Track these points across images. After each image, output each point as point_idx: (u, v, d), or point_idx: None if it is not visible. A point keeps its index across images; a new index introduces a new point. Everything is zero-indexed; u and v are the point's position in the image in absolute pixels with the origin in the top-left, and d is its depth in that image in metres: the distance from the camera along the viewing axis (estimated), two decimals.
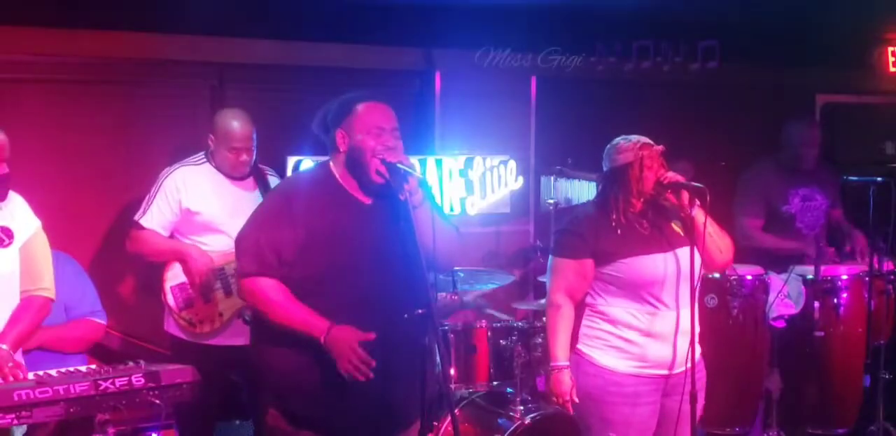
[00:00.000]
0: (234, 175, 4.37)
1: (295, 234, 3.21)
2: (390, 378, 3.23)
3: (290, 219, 3.23)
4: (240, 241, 3.33)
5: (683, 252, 3.51)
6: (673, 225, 3.57)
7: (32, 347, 3.67)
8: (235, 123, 4.31)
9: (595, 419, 3.60)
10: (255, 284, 3.24)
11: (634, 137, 3.59)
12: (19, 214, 3.32)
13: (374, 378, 3.19)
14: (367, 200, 3.32)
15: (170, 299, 4.32)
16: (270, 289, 3.22)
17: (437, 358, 3.38)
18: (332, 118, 3.33)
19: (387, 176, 3.22)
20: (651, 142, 3.58)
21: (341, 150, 3.30)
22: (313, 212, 3.25)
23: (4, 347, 3.19)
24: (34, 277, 3.34)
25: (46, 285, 3.37)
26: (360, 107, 3.29)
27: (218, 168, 4.37)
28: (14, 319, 3.27)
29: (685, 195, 3.49)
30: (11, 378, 3.09)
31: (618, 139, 3.61)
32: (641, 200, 3.54)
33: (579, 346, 3.62)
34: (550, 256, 3.66)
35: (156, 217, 4.30)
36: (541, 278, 5.08)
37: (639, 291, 3.52)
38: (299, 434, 3.31)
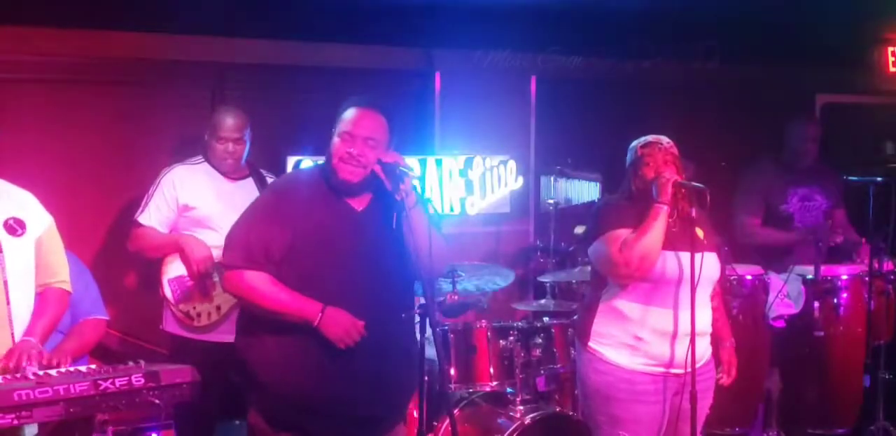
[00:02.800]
0: (226, 171, 4.39)
1: (283, 232, 3.23)
2: (377, 378, 3.24)
3: (281, 217, 3.25)
4: (229, 236, 3.35)
5: (701, 256, 3.51)
6: (697, 229, 3.56)
7: (68, 362, 3.69)
8: (225, 114, 4.41)
9: (604, 417, 3.61)
10: (241, 274, 3.25)
11: (646, 137, 3.65)
12: (31, 208, 3.37)
13: (363, 379, 3.20)
14: (359, 206, 3.33)
15: (168, 292, 4.34)
16: (256, 278, 3.23)
17: (435, 358, 3.38)
18: (336, 121, 3.35)
19: (383, 176, 3.22)
20: (661, 141, 3.61)
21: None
22: (304, 212, 3.26)
23: (34, 340, 3.23)
24: (51, 271, 3.39)
25: (63, 278, 3.43)
26: (349, 111, 3.30)
27: (215, 168, 4.39)
28: (37, 313, 3.32)
29: (666, 190, 3.50)
30: (45, 367, 3.12)
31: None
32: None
33: (591, 343, 3.63)
34: (596, 241, 3.59)
35: (154, 215, 4.34)
36: (541, 278, 5.09)
37: (656, 287, 3.53)
38: (279, 435, 3.30)
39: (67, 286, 3.44)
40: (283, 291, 3.22)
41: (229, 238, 3.34)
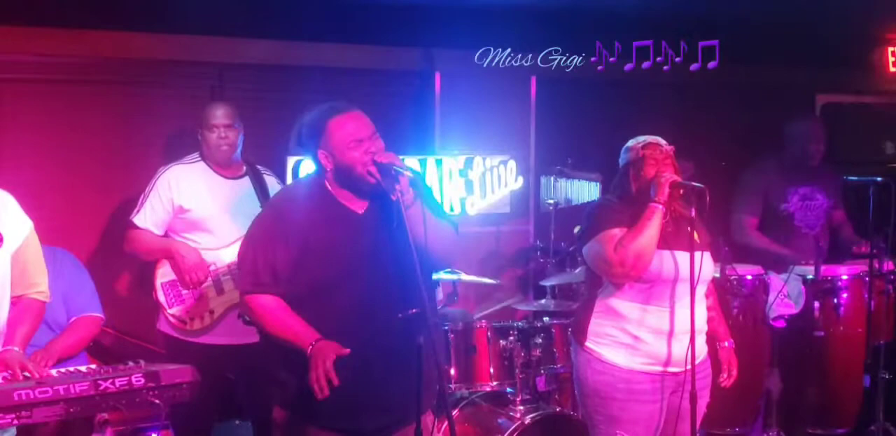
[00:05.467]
0: (222, 162, 4.37)
1: (289, 249, 3.23)
2: (390, 379, 3.25)
3: (284, 235, 3.25)
4: (239, 258, 3.39)
5: (699, 255, 3.52)
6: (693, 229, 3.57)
7: (54, 361, 3.74)
8: (214, 105, 4.44)
9: (602, 417, 3.61)
10: (253, 301, 3.29)
11: (643, 137, 3.64)
12: (10, 217, 3.25)
13: (376, 379, 3.22)
14: (360, 210, 3.33)
15: (161, 297, 4.33)
16: (266, 305, 3.26)
17: (437, 357, 3.38)
18: (307, 140, 3.31)
19: (378, 177, 3.22)
20: (659, 141, 3.61)
21: (328, 169, 3.30)
22: (307, 226, 3.26)
23: (17, 348, 3.19)
24: (30, 281, 3.31)
25: (41, 289, 3.35)
26: (331, 124, 3.26)
27: (211, 166, 4.39)
28: (15, 322, 3.26)
29: (664, 189, 3.50)
30: (37, 374, 3.09)
31: (632, 139, 3.67)
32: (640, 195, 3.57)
33: (588, 343, 3.63)
34: (591, 241, 3.58)
35: (149, 216, 4.32)
36: (541, 280, 5.09)
37: (652, 286, 3.53)
38: (304, 430, 3.32)
39: (45, 296, 3.37)
40: (289, 320, 3.23)
41: (239, 261, 3.39)
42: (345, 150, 3.24)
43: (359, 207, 3.34)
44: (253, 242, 3.34)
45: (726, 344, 3.77)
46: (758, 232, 5.39)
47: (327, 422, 3.31)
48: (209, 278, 4.28)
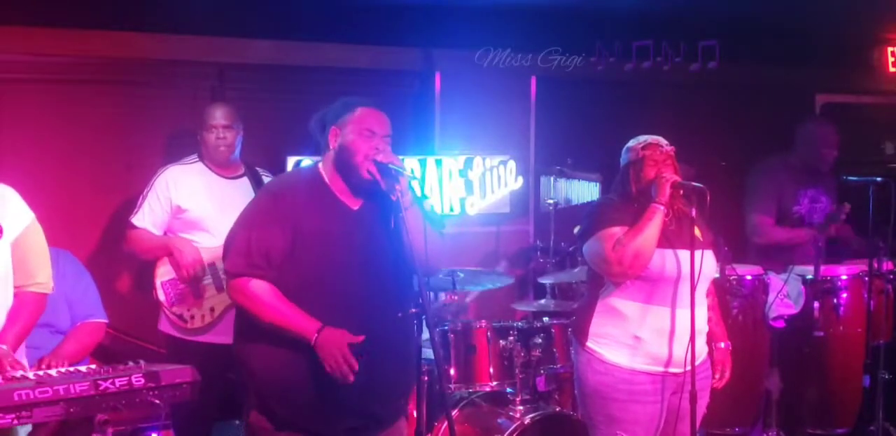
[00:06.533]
0: (220, 162, 4.39)
1: (284, 235, 3.22)
2: (375, 379, 3.24)
3: (280, 219, 3.24)
4: (229, 240, 3.33)
5: (700, 254, 3.52)
6: (695, 228, 3.57)
7: (64, 364, 3.71)
8: (213, 106, 4.46)
9: (602, 417, 3.61)
10: (246, 283, 3.24)
11: (644, 138, 3.64)
12: (10, 207, 3.25)
13: (360, 378, 3.19)
14: (355, 205, 3.34)
15: (160, 295, 4.34)
16: (261, 289, 3.22)
17: (432, 358, 3.38)
18: (331, 117, 3.37)
19: (378, 176, 3.23)
20: (660, 142, 3.62)
21: (331, 147, 3.33)
22: (301, 215, 3.26)
23: (4, 347, 3.18)
24: (28, 272, 3.29)
25: (41, 280, 3.33)
26: (359, 109, 3.34)
27: (209, 167, 4.40)
28: (12, 317, 3.25)
29: (665, 190, 3.51)
30: (10, 373, 3.08)
31: (632, 139, 3.67)
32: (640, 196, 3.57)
33: (589, 343, 3.62)
34: (591, 239, 3.58)
35: (147, 216, 4.35)
36: (541, 280, 5.09)
37: (655, 285, 3.53)
38: (280, 434, 3.31)
39: (44, 288, 3.34)
40: (285, 306, 3.21)
41: (229, 243, 3.32)
42: (357, 134, 3.28)
43: (354, 203, 3.34)
44: (247, 225, 3.29)
45: (722, 345, 3.77)
46: (776, 227, 5.37)
47: (306, 425, 3.28)
48: (208, 275, 4.28)
